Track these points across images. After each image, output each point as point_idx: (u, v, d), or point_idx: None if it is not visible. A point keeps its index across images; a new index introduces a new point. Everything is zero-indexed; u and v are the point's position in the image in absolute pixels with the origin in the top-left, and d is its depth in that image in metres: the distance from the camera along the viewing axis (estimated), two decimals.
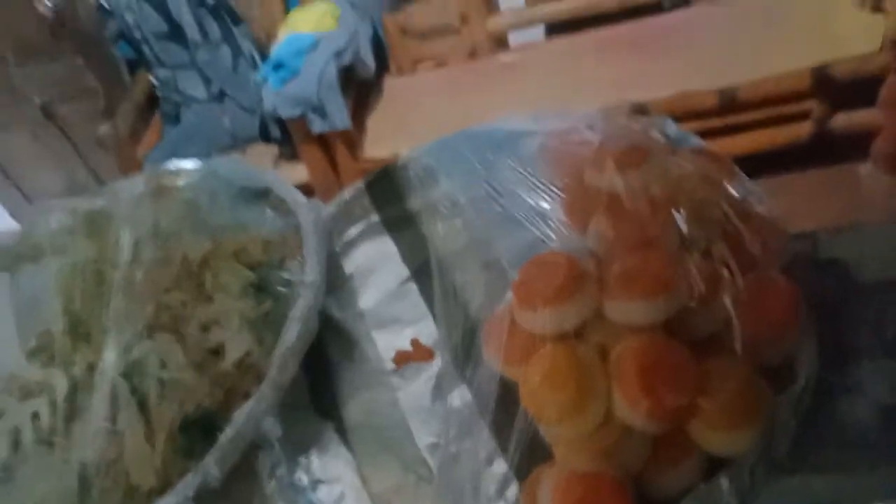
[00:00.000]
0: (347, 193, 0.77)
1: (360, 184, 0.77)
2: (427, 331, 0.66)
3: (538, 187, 0.64)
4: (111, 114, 2.17)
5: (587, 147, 0.67)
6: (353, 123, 2.02)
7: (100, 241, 0.79)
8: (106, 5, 2.10)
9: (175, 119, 2.22)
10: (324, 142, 1.99)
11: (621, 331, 0.53)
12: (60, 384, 0.68)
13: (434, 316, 0.67)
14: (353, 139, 2.03)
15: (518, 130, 0.73)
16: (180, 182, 0.83)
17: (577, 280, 0.54)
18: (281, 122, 2.01)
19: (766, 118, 1.77)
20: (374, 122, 2.11)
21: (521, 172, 0.67)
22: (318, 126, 1.94)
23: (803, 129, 1.76)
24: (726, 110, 1.71)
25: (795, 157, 1.74)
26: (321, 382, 0.66)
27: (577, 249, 0.57)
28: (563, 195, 0.62)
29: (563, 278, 0.54)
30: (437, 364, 0.64)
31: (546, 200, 0.63)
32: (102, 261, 0.76)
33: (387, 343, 0.67)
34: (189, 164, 0.86)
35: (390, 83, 2.23)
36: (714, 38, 1.83)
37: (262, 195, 0.76)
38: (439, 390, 0.62)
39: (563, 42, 2.07)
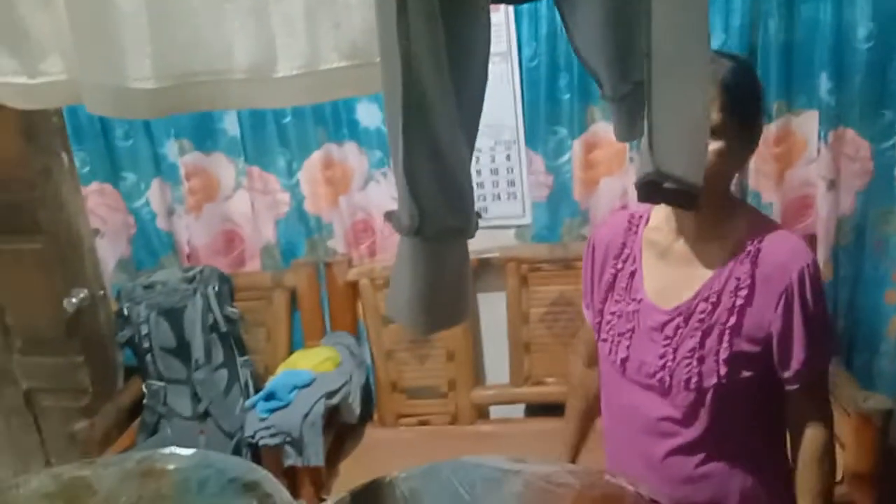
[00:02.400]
0: (331, 502, 0.79)
1: (345, 494, 0.80)
2: None
3: None
4: (92, 413, 2.20)
5: (567, 489, 0.72)
6: (325, 464, 2.04)
7: None
8: (126, 313, 2.27)
9: (152, 431, 2.25)
10: (292, 475, 1.99)
11: None
12: None
13: None
14: (321, 479, 2.03)
15: (504, 468, 0.79)
16: (171, 466, 0.86)
17: None
18: (255, 452, 2.03)
19: None
20: (346, 466, 2.13)
21: None
22: (292, 459, 1.97)
23: None
24: None
25: None
26: None
27: None
28: None
29: None
30: None
31: None
32: None
33: None
34: (184, 451, 0.89)
35: (371, 432, 2.30)
36: None
37: (250, 488, 0.79)
38: None
39: (540, 423, 2.19)
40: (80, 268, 2.24)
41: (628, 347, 1.24)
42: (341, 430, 2.23)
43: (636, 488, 0.73)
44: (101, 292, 2.29)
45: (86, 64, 0.95)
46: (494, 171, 2.23)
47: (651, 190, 0.85)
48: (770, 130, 2.02)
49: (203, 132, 2.32)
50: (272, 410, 2.04)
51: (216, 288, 2.26)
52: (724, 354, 1.17)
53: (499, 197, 2.25)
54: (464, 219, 0.70)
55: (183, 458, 0.87)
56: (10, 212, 2.24)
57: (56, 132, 2.16)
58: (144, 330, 2.24)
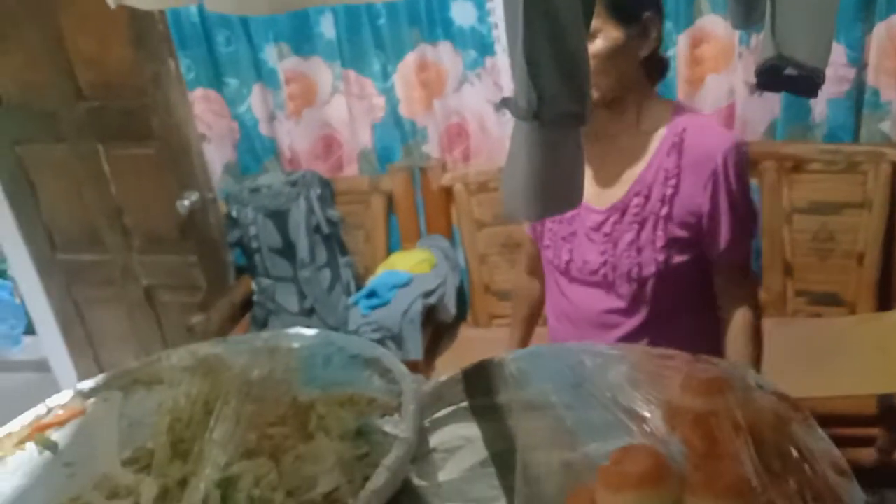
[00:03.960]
0: (444, 378, 0.84)
1: (457, 372, 0.85)
2: None
3: (630, 397, 0.71)
4: (207, 308, 2.35)
5: (673, 371, 0.74)
6: (424, 359, 2.13)
7: (214, 380, 0.87)
8: (235, 215, 2.39)
9: (263, 325, 2.39)
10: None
11: None
12: (149, 490, 0.72)
13: (508, 499, 0.70)
14: (419, 372, 2.12)
15: (609, 352, 0.81)
16: (296, 344, 0.93)
17: (663, 471, 0.58)
18: (366, 340, 2.13)
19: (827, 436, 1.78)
20: (442, 363, 2.21)
21: (612, 384, 0.74)
22: (392, 353, 2.06)
23: (866, 455, 1.75)
24: None
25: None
26: None
27: (665, 449, 0.62)
28: (654, 407, 0.68)
29: (649, 466, 0.58)
30: None
31: (636, 408, 0.69)
32: (214, 396, 0.84)
33: None
34: (307, 330, 0.96)
35: (466, 332, 2.37)
36: (782, 352, 1.91)
37: (371, 364, 0.84)
38: None
39: None
40: (191, 172, 2.36)
41: (570, 250, 1.31)
42: (438, 328, 2.31)
43: (743, 374, 0.74)
44: (211, 195, 2.41)
45: None
46: None
47: (772, 76, 0.82)
48: (890, 23, 1.86)
49: (301, 36, 2.34)
50: (373, 307, 2.13)
51: (318, 191, 2.33)
52: (660, 243, 1.24)
53: None
54: (581, 104, 0.70)
55: (307, 337, 0.94)
56: (125, 118, 2.36)
57: (163, 39, 2.24)
58: (252, 231, 2.36)
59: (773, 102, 2.07)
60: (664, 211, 1.23)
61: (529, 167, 0.71)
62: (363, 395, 0.78)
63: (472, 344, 2.30)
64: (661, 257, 1.24)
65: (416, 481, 0.74)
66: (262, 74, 2.40)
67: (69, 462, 0.83)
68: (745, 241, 1.28)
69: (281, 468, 0.69)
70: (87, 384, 0.93)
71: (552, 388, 0.78)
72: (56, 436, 0.86)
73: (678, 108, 1.29)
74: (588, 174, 1.28)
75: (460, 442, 0.78)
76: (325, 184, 2.38)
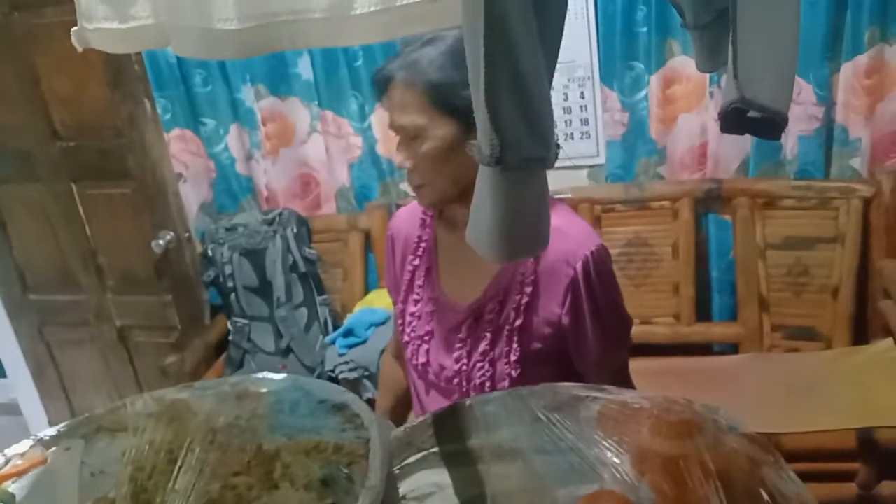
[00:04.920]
0: (414, 423, 0.83)
1: (427, 416, 0.84)
2: None
3: (599, 441, 0.70)
4: (181, 348, 2.32)
5: (643, 413, 0.74)
6: None
7: (178, 427, 0.85)
8: (210, 254, 2.37)
9: (238, 365, 2.36)
10: (370, 407, 2.06)
11: None
12: None
13: None
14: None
15: (579, 394, 0.81)
16: (263, 389, 0.92)
17: None
18: (335, 385, 2.11)
19: (807, 471, 1.77)
20: None
21: (582, 427, 0.73)
22: (370, 392, 2.04)
23: (847, 490, 1.75)
24: None
25: None
26: None
27: (634, 495, 0.61)
28: (623, 451, 0.68)
29: None
30: None
31: (605, 453, 0.69)
32: (178, 444, 0.82)
33: None
34: (275, 375, 0.95)
35: None
36: (759, 387, 1.93)
37: (339, 409, 0.83)
38: None
39: None
40: (166, 211, 2.35)
41: (427, 352, 1.19)
42: None
43: (713, 415, 0.74)
44: (187, 234, 2.39)
45: (173, 7, 0.98)
46: (567, 110, 2.19)
47: (735, 119, 0.83)
48: (861, 61, 1.91)
49: (278, 77, 2.36)
50: (350, 346, 2.11)
51: (295, 230, 2.33)
52: (514, 356, 1.10)
53: (572, 136, 2.22)
54: (544, 148, 0.70)
55: (274, 381, 0.93)
56: (101, 158, 2.35)
57: (139, 80, 2.24)
58: (228, 270, 2.34)
59: (745, 140, 2.11)
60: (518, 322, 1.10)
61: (494, 211, 0.71)
62: (330, 442, 0.76)
63: None
64: (515, 372, 1.11)
65: None
66: (240, 114, 2.41)
67: None
68: (619, 351, 1.17)
69: None
70: (49, 432, 0.91)
71: (523, 432, 0.78)
72: (14, 487, 0.83)
73: None
74: (451, 266, 1.19)
75: (431, 489, 0.77)
76: (303, 222, 2.38)
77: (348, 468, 0.73)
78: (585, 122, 2.19)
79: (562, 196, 2.19)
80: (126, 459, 0.81)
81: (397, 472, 0.80)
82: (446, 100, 1.05)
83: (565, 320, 1.09)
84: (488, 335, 1.12)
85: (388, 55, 2.24)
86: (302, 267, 2.33)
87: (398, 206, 2.39)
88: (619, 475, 0.65)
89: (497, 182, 0.70)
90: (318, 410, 0.84)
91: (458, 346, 1.15)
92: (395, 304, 1.29)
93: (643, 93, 2.13)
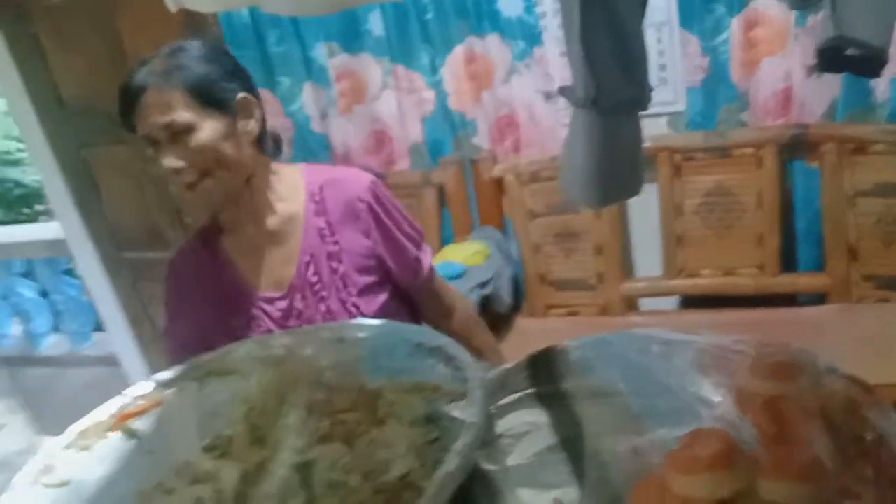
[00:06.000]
0: (509, 366, 0.86)
1: (522, 359, 0.86)
2: (570, 496, 0.70)
3: (698, 383, 0.71)
4: None
5: (741, 356, 0.74)
6: None
7: (284, 370, 0.90)
8: None
9: None
10: None
11: None
12: (230, 475, 0.75)
13: (578, 483, 0.71)
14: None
15: (675, 338, 0.81)
16: (361, 334, 0.95)
17: (734, 453, 0.58)
18: (429, 329, 2.16)
19: None
20: None
21: (679, 371, 0.74)
22: None
23: None
24: None
25: None
26: None
27: (736, 432, 0.62)
28: (724, 391, 0.68)
29: (720, 449, 0.59)
30: None
31: (704, 394, 0.69)
32: (285, 386, 0.86)
33: (529, 500, 0.70)
34: (371, 321, 0.98)
35: (521, 323, 2.37)
36: (848, 338, 1.87)
37: (435, 352, 0.86)
38: None
39: (695, 315, 2.18)
40: None
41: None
42: (493, 320, 2.31)
43: (813, 358, 0.74)
44: None
45: None
46: None
47: (833, 57, 0.81)
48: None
49: (350, 33, 2.38)
50: None
51: None
52: (352, 298, 1.23)
53: None
54: (638, 89, 0.70)
55: (371, 327, 0.96)
56: None
57: (217, 41, 2.29)
58: None
59: (833, 83, 2.02)
60: (341, 268, 1.23)
61: (588, 155, 0.72)
62: (429, 382, 0.79)
63: (528, 335, 2.31)
64: (364, 308, 1.24)
65: (486, 465, 0.75)
66: (313, 72, 2.44)
67: (151, 450, 0.86)
68: (426, 255, 1.34)
69: (355, 453, 0.71)
70: (165, 375, 0.97)
71: (618, 375, 0.79)
72: (138, 424, 0.90)
73: (309, 170, 1.29)
74: (250, 267, 1.25)
75: (527, 428, 0.79)
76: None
77: (449, 405, 0.76)
78: (664, 67, 2.14)
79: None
80: (238, 400, 0.86)
81: (493, 411, 0.82)
82: (209, 95, 1.13)
83: (378, 242, 1.25)
84: (322, 294, 1.23)
85: (459, 6, 2.24)
86: None
87: (472, 162, 2.40)
88: (719, 414, 0.66)
89: (592, 125, 0.71)
90: (415, 353, 0.87)
91: (297, 323, 1.23)
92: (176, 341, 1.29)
93: (724, 36, 2.05)
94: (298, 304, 1.24)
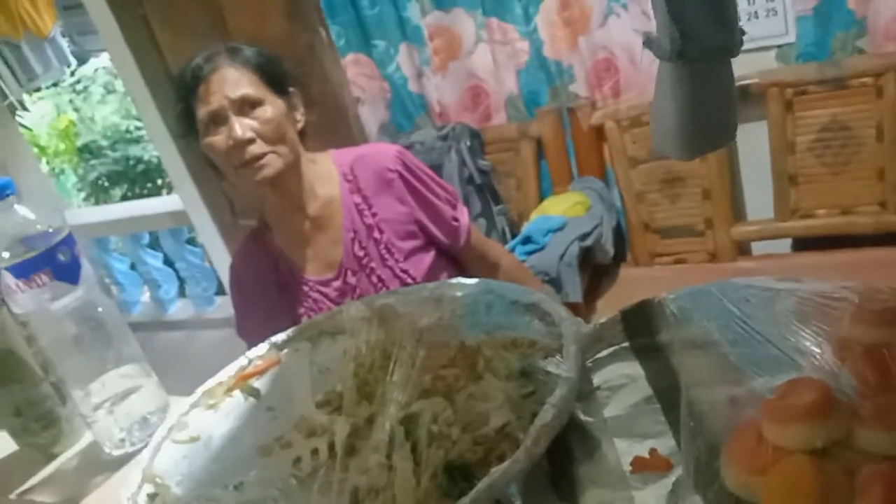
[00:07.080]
0: (604, 319, 0.87)
1: (616, 313, 0.87)
2: (666, 445, 0.71)
3: (797, 332, 0.70)
4: None
5: (844, 304, 0.72)
6: (583, 301, 2.14)
7: (388, 329, 0.95)
8: None
9: None
10: None
11: (870, 459, 0.56)
12: (342, 428, 0.81)
13: (674, 433, 0.72)
14: (580, 315, 2.14)
15: (775, 287, 0.80)
16: (459, 293, 0.99)
17: (831, 403, 0.58)
18: (524, 287, 2.19)
19: None
20: (604, 304, 2.22)
21: (778, 320, 0.73)
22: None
23: None
24: None
25: None
26: (562, 474, 0.73)
27: (834, 382, 0.61)
28: (823, 340, 0.67)
29: (817, 398, 0.58)
30: (673, 474, 0.68)
31: (803, 343, 0.68)
32: (390, 343, 0.91)
33: (626, 449, 0.72)
34: (468, 280, 1.02)
35: (626, 272, 2.35)
36: None
37: (530, 308, 0.88)
38: (674, 497, 0.66)
39: (810, 258, 2.08)
40: (349, 135, 2.48)
41: None
42: (597, 270, 2.31)
43: None
44: None
45: None
46: None
47: None
48: None
49: None
50: (529, 253, 2.17)
51: (468, 143, 2.38)
52: (401, 265, 1.30)
53: (755, 15, 2.05)
54: (727, 36, 0.68)
55: (468, 285, 0.99)
56: None
57: (314, 9, 2.35)
58: None
59: None
60: (383, 238, 1.31)
61: (679, 109, 0.71)
62: (525, 337, 0.82)
63: (634, 284, 2.28)
64: (414, 273, 1.31)
65: (582, 417, 0.77)
66: (407, 33, 2.47)
67: (271, 406, 0.94)
68: (462, 213, 1.39)
69: (455, 406, 0.75)
70: (280, 337, 1.05)
71: (715, 326, 0.78)
72: (258, 383, 0.98)
73: (337, 154, 1.37)
74: (301, 255, 1.34)
75: (623, 380, 0.81)
76: (475, 134, 2.43)
77: (544, 360, 0.78)
78: None
79: (749, 82, 2.05)
80: (347, 357, 0.92)
81: (590, 364, 0.84)
82: (273, 76, 1.27)
83: (414, 208, 1.31)
84: (371, 266, 1.31)
85: None
86: (477, 179, 2.40)
87: (569, 110, 2.37)
88: (818, 363, 0.65)
89: (679, 77, 0.69)
90: (511, 310, 0.90)
91: (353, 297, 1.31)
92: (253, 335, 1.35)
93: None
94: (352, 280, 1.32)
